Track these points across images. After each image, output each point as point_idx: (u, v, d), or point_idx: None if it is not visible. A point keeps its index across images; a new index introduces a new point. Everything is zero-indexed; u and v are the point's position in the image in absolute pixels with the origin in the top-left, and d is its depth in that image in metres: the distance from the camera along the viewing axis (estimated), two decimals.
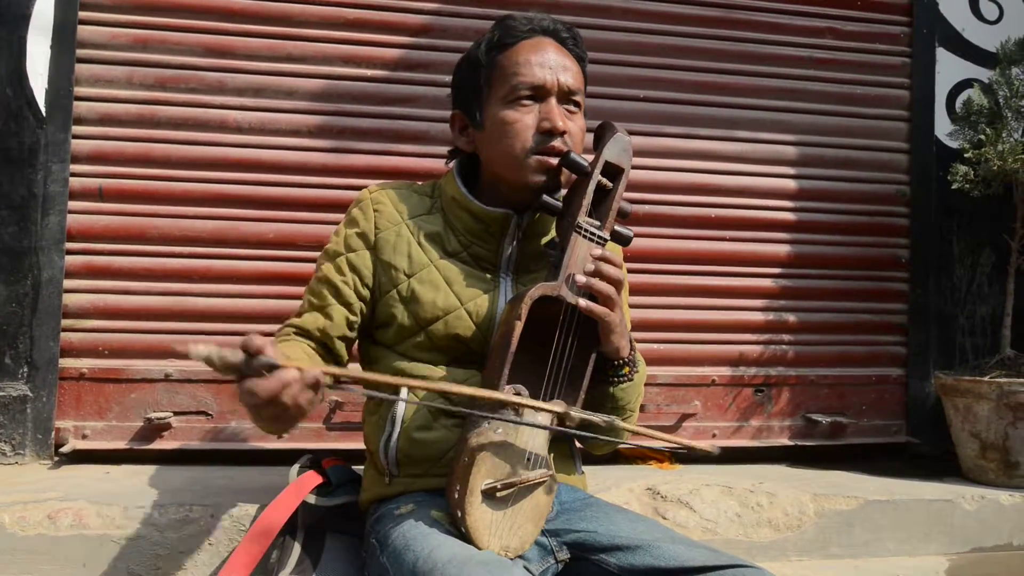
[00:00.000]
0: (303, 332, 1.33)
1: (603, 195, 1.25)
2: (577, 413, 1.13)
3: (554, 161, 1.26)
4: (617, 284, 1.18)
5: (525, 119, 1.27)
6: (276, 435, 1.14)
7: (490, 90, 1.31)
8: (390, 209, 1.36)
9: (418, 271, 1.32)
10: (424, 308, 1.30)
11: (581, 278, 1.17)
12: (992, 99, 2.39)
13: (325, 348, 1.34)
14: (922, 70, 2.58)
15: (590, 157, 1.26)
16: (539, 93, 1.28)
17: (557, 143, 1.26)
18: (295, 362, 0.98)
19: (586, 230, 1.21)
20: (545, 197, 1.25)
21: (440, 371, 1.30)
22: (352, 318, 1.33)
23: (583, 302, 1.16)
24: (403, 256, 1.33)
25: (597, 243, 1.22)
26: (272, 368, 0.95)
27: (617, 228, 1.25)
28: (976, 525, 2.03)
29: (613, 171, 1.25)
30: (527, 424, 1.14)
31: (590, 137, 1.34)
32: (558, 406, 1.15)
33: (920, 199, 2.56)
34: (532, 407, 1.13)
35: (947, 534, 2.01)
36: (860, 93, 2.56)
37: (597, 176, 1.23)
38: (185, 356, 0.89)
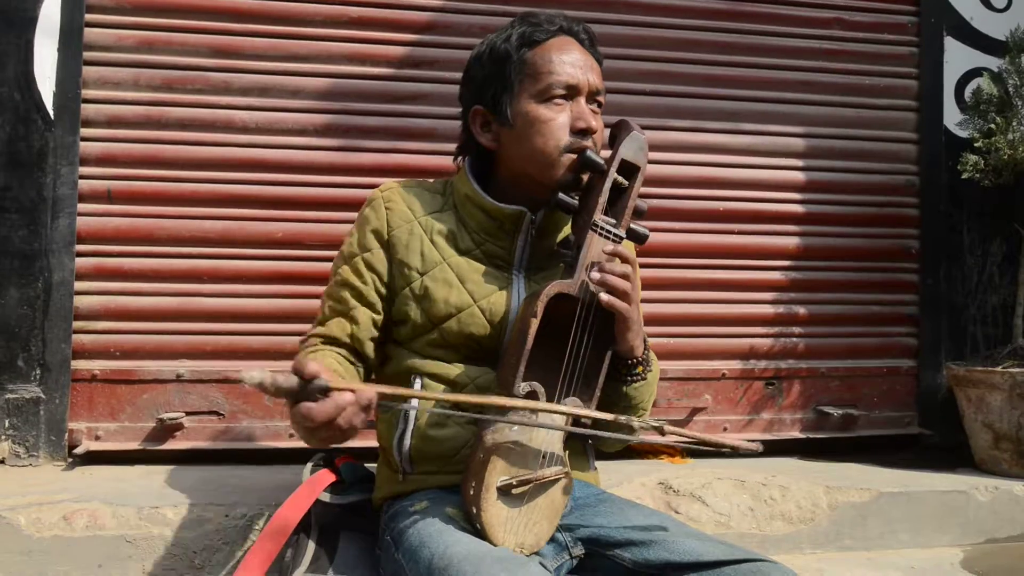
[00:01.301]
0: (331, 340, 1.32)
1: (619, 193, 1.25)
2: (638, 424, 1.13)
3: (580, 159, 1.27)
4: (628, 279, 1.18)
5: (559, 118, 1.28)
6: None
7: (520, 86, 1.30)
8: (402, 207, 1.36)
9: (431, 269, 1.32)
10: (437, 306, 1.30)
11: (596, 275, 1.17)
12: (1002, 88, 2.38)
13: (355, 353, 1.33)
14: (930, 59, 2.57)
15: (607, 154, 1.26)
16: (571, 92, 1.28)
17: (588, 142, 1.27)
18: (347, 383, 1.00)
19: (602, 228, 1.21)
20: (561, 195, 1.25)
21: (453, 368, 1.30)
22: (376, 318, 1.33)
23: (604, 296, 1.16)
24: (416, 254, 1.33)
25: (613, 241, 1.22)
26: (326, 391, 0.96)
27: (633, 226, 1.26)
28: (990, 516, 2.02)
29: (629, 169, 1.25)
30: (542, 426, 1.14)
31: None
32: (578, 408, 1.16)
33: (930, 189, 2.55)
34: (609, 418, 1.14)
35: (961, 525, 2.01)
36: (868, 84, 2.55)
37: (613, 174, 1.24)
38: (238, 380, 0.91)
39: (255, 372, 0.92)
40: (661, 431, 1.14)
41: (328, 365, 1.21)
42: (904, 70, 2.57)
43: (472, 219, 1.34)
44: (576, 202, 1.26)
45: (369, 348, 1.34)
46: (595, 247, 1.20)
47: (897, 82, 2.57)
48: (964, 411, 2.29)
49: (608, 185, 1.23)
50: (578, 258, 1.20)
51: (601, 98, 1.33)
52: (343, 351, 1.32)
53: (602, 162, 1.24)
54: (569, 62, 1.29)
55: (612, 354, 1.22)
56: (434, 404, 1.20)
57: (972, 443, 2.28)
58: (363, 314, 1.32)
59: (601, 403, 1.22)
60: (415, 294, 1.32)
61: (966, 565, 1.88)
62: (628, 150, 1.25)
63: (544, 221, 1.33)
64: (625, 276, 1.18)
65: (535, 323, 1.15)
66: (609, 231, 1.22)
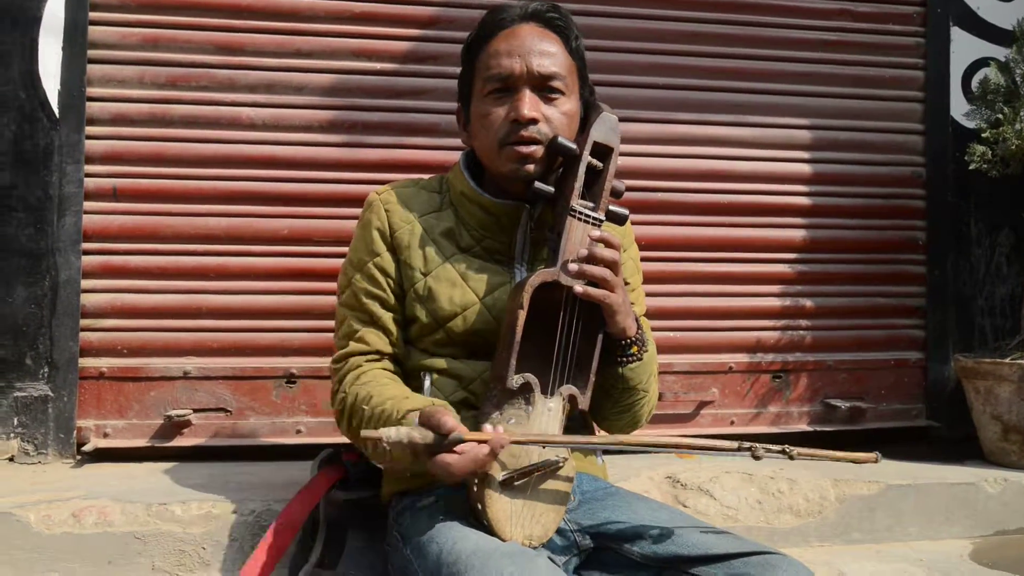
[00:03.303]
0: (374, 354, 1.32)
1: (595, 176, 1.25)
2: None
3: (526, 150, 1.25)
4: (612, 265, 1.17)
5: (498, 111, 1.27)
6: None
7: (471, 86, 1.32)
8: (400, 208, 1.36)
9: (433, 269, 1.32)
10: (442, 306, 1.30)
11: (574, 266, 1.16)
12: (1009, 77, 2.36)
13: (395, 361, 1.34)
14: (937, 50, 2.55)
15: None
16: (508, 84, 1.27)
17: (526, 132, 1.25)
18: (477, 434, 1.05)
19: (580, 212, 1.21)
20: (537, 184, 1.24)
21: (461, 364, 1.31)
22: (399, 319, 1.34)
23: (579, 287, 1.16)
24: (418, 255, 1.33)
25: (593, 224, 1.21)
26: (460, 442, 1.04)
27: (611, 208, 1.25)
28: (999, 508, 2.01)
29: (602, 151, 1.25)
30: (539, 407, 1.14)
31: None
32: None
33: (936, 180, 2.53)
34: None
35: (970, 517, 2.00)
36: (874, 75, 2.53)
37: (587, 157, 1.23)
38: (378, 438, 1.02)
39: (392, 431, 1.01)
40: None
41: (400, 393, 1.22)
42: (910, 61, 2.56)
43: (470, 216, 1.34)
44: (552, 189, 1.25)
45: (404, 353, 1.35)
46: (575, 232, 1.20)
47: (903, 73, 2.55)
48: (972, 403, 2.28)
49: (583, 169, 1.22)
50: (559, 245, 1.20)
51: (557, 84, 1.27)
52: (386, 363, 1.32)
53: (574, 146, 1.24)
54: (506, 52, 1.27)
55: (606, 337, 1.22)
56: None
57: (981, 435, 2.27)
58: (391, 321, 1.32)
59: (599, 387, 1.22)
60: (419, 295, 1.32)
61: (975, 557, 1.88)
62: (599, 131, 1.25)
63: (542, 213, 1.33)
64: (608, 262, 1.17)
65: (522, 315, 1.15)
66: (587, 215, 1.21)
